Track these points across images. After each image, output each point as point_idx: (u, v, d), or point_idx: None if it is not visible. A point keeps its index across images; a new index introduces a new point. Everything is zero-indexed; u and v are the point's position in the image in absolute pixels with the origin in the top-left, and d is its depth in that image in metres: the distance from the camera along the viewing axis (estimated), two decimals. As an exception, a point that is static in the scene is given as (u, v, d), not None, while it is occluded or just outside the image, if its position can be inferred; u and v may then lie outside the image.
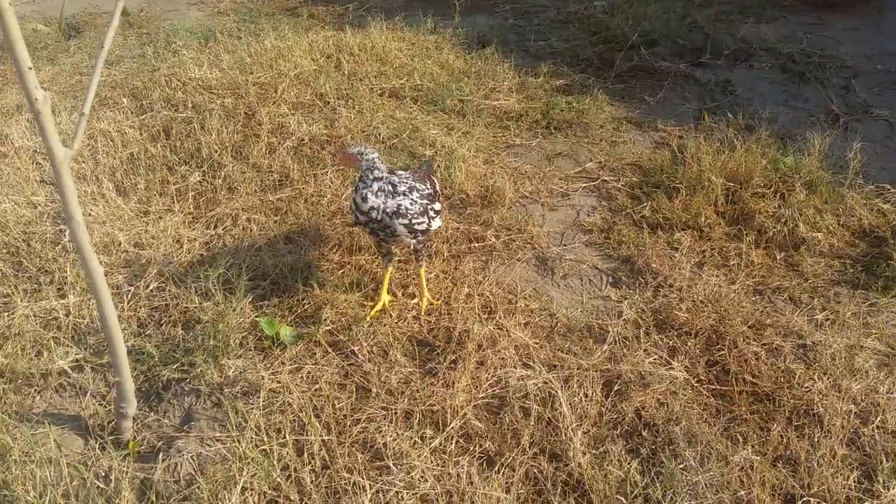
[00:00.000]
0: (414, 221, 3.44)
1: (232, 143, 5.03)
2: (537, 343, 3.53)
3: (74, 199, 2.52)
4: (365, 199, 3.35)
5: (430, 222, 3.51)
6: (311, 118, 5.44)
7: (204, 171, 4.77)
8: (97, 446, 2.96)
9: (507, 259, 4.18)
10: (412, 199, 3.43)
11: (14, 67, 2.28)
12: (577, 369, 3.35)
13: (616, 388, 3.25)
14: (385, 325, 3.63)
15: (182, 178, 4.71)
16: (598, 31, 7.48)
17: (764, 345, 3.47)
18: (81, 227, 2.57)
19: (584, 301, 3.90)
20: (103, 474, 2.80)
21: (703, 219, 4.39)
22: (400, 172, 3.62)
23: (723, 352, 3.43)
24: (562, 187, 4.88)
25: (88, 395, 3.21)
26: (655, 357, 3.42)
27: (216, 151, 4.90)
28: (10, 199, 4.35)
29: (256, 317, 3.61)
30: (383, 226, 3.42)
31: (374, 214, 3.37)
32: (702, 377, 3.34)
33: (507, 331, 3.57)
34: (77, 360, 3.32)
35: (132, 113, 5.48)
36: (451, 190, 4.69)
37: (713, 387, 3.28)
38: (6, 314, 3.48)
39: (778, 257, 4.13)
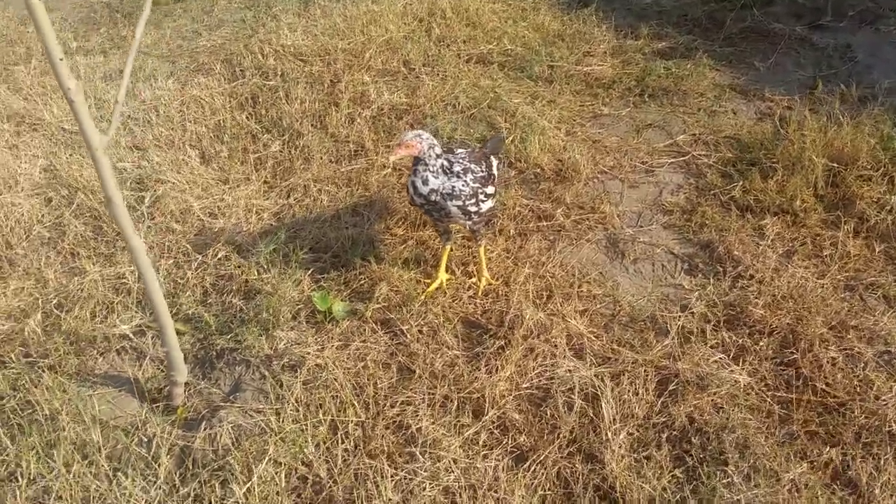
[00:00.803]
0: (467, 203, 3.32)
1: (313, 112, 5.05)
2: (593, 332, 3.35)
3: (113, 182, 2.57)
4: (426, 182, 3.26)
5: (479, 205, 3.38)
6: (393, 86, 5.37)
7: (284, 140, 4.83)
8: (149, 410, 3.09)
9: (575, 239, 3.99)
10: (465, 180, 3.30)
11: (47, 58, 2.33)
12: (632, 364, 3.15)
13: (671, 387, 3.04)
14: (438, 305, 3.56)
15: (263, 147, 4.79)
16: (712, -13, 6.94)
17: (843, 349, 3.13)
18: (121, 209, 2.62)
19: (652, 289, 3.66)
20: (146, 440, 2.92)
21: (798, 202, 4.00)
22: (459, 151, 3.50)
23: (796, 355, 3.13)
24: (646, 162, 4.58)
25: (147, 359, 3.35)
26: (720, 356, 3.16)
27: (297, 120, 4.94)
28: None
29: (312, 290, 3.63)
30: (438, 207, 3.33)
31: (433, 197, 3.28)
32: (768, 381, 3.06)
33: (562, 317, 3.40)
34: (139, 326, 3.46)
35: (224, 79, 5.61)
36: (524, 164, 4.51)
37: (779, 394, 3.00)
38: (77, 277, 3.67)
39: (878, 249, 3.71)
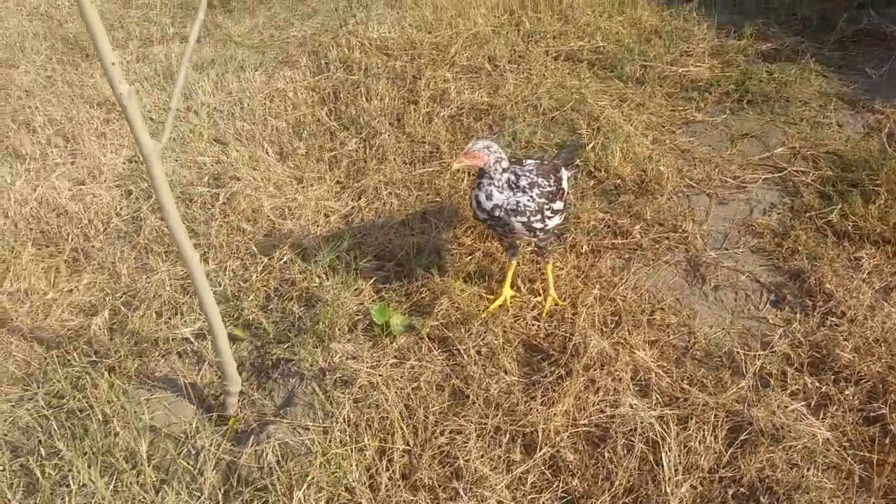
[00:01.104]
0: (532, 219, 3.16)
1: (392, 110, 4.96)
2: (662, 367, 3.13)
3: (166, 191, 2.55)
4: (490, 196, 3.11)
5: (546, 221, 3.20)
6: (476, 83, 5.22)
7: (361, 138, 4.76)
8: (202, 419, 3.10)
9: (652, 260, 3.75)
10: (531, 195, 3.14)
11: (100, 63, 2.31)
12: (702, 407, 2.92)
13: (742, 437, 2.80)
14: (499, 325, 3.41)
15: (340, 145, 4.73)
16: (829, -17, 6.41)
17: (943, 409, 2.80)
18: (174, 218, 2.60)
19: (732, 321, 3.40)
20: (195, 452, 2.92)
21: (903, 231, 3.62)
22: (528, 163, 3.32)
23: (884, 409, 2.82)
24: (739, 177, 4.26)
25: (206, 364, 3.36)
26: (800, 405, 2.89)
27: (375, 118, 4.87)
28: (179, 157, 4.64)
29: (372, 301, 3.56)
30: (502, 223, 3.19)
31: (496, 212, 3.14)
32: (850, 437, 2.77)
33: (629, 348, 3.20)
34: (201, 329, 3.48)
35: (309, 72, 5.60)
36: (604, 173, 4.28)
37: (861, 452, 2.72)
38: (146, 275, 3.72)
39: None
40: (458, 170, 3.95)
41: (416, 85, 5.19)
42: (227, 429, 3.05)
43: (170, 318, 3.53)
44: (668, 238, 3.85)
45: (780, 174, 4.25)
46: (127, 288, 3.69)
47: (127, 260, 3.87)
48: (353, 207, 4.21)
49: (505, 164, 3.12)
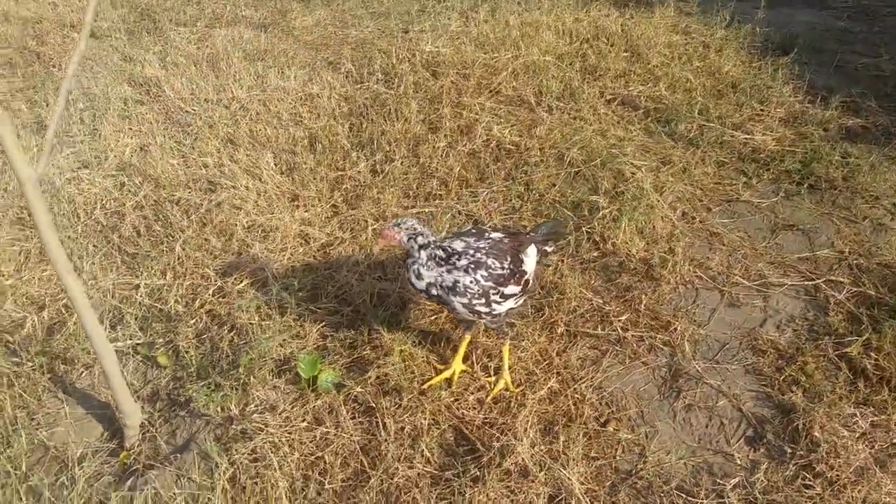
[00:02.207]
0: (474, 302, 2.84)
1: (413, 136, 4.68)
2: (591, 493, 2.75)
3: (45, 220, 2.40)
4: (419, 276, 2.85)
5: (492, 306, 2.87)
6: (513, 118, 4.86)
7: (375, 161, 4.52)
8: (102, 444, 2.99)
9: (630, 358, 3.33)
10: (474, 277, 2.81)
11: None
12: (614, 555, 2.53)
13: None
14: (435, 401, 3.11)
15: (350, 165, 4.50)
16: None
17: None
18: (55, 249, 2.44)
19: (693, 450, 2.95)
20: (69, 483, 2.80)
21: (932, 384, 3.04)
22: (492, 235, 2.99)
23: None
24: (764, 276, 3.73)
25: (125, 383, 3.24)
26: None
27: (393, 142, 4.61)
28: (187, 153, 4.55)
29: (315, 348, 3.34)
30: (443, 302, 2.89)
31: (433, 291, 2.85)
32: None
33: (562, 462, 2.83)
34: (132, 345, 3.36)
35: (349, 80, 5.41)
36: (609, 246, 3.85)
37: None
38: (92, 280, 3.64)
39: None
40: (383, 250, 3.71)
41: (448, 110, 4.89)
42: (118, 461, 2.92)
43: (110, 329, 3.43)
44: (654, 337, 3.41)
45: (812, 282, 3.69)
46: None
47: (92, 257, 3.81)
48: (335, 238, 3.98)
49: (422, 239, 2.84)
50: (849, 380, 3.16)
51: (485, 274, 2.82)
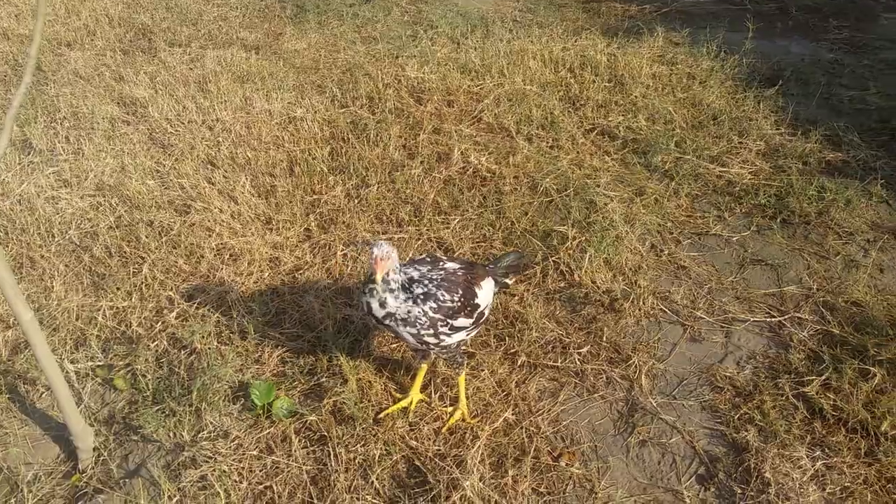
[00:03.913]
0: (423, 333, 2.85)
1: (390, 162, 4.72)
2: (535, 529, 2.75)
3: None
4: (384, 304, 2.81)
5: (440, 338, 2.88)
6: (492, 145, 4.89)
7: (350, 186, 4.56)
8: (57, 466, 3.01)
9: (588, 391, 3.33)
10: (423, 308, 2.82)
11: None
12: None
13: None
14: (391, 430, 3.12)
15: (326, 189, 4.54)
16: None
17: None
18: (6, 281, 2.48)
19: (646, 487, 2.94)
20: (15, 504, 2.83)
21: (886, 426, 3.02)
22: (448, 265, 3.00)
23: None
24: (728, 312, 3.73)
25: (83, 405, 3.26)
26: None
27: (370, 167, 4.65)
28: (164, 175, 4.59)
29: (273, 374, 3.36)
30: (393, 331, 2.90)
31: (387, 321, 2.85)
32: None
33: (510, 496, 2.83)
34: (92, 367, 3.38)
35: (333, 103, 5.46)
36: (576, 277, 3.86)
37: None
38: (52, 300, 3.67)
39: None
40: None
41: (422, 137, 4.92)
42: (69, 484, 2.94)
43: (72, 350, 3.46)
44: (614, 371, 3.40)
45: (775, 319, 3.68)
46: (48, 306, 3.66)
47: (63, 276, 3.85)
48: (305, 263, 4.00)
49: (397, 275, 2.81)
50: (806, 419, 3.15)
51: (433, 305, 2.83)
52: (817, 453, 2.98)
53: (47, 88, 5.63)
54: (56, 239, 4.08)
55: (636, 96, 5.45)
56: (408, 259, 3.01)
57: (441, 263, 3.02)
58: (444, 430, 3.17)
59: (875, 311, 3.64)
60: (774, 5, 7.82)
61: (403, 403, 3.25)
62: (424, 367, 3.26)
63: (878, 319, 3.56)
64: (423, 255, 3.16)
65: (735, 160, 4.84)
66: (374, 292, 2.80)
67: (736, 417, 3.18)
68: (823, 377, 3.28)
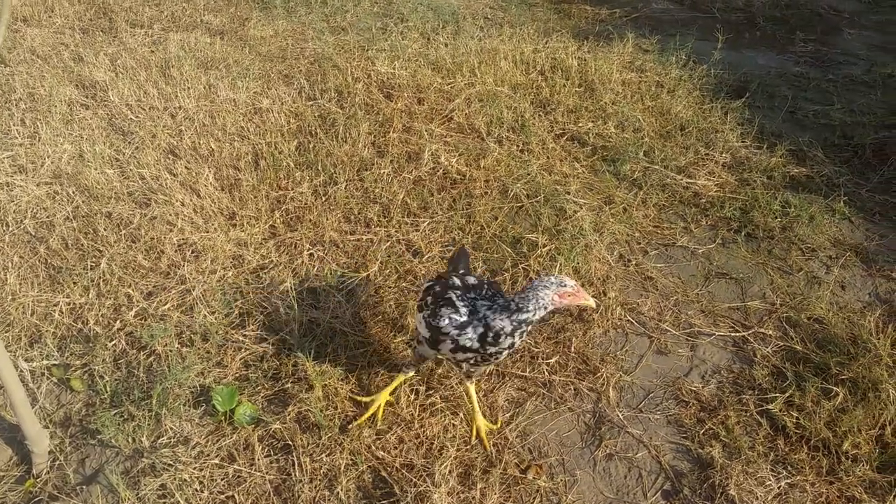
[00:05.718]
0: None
1: (360, 160, 4.64)
2: (502, 544, 2.73)
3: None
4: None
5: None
6: (462, 146, 4.84)
7: (318, 182, 4.46)
8: (10, 469, 2.88)
9: (556, 403, 3.32)
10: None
11: None
12: None
13: None
14: (355, 439, 3.05)
15: (294, 185, 4.44)
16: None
17: None
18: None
19: (612, 501, 2.95)
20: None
21: (847, 445, 3.08)
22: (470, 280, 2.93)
23: None
24: (694, 325, 3.76)
25: (38, 406, 3.14)
26: None
27: (339, 164, 4.56)
28: (125, 164, 4.43)
29: (236, 378, 3.27)
30: (489, 354, 2.75)
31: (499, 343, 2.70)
32: None
33: (477, 509, 2.81)
34: (46, 366, 3.25)
35: (301, 96, 5.35)
36: (545, 287, 3.84)
37: None
38: (6, 294, 3.52)
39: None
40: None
41: (393, 136, 4.85)
42: (22, 490, 2.82)
43: (27, 347, 3.32)
44: (582, 382, 3.40)
45: (739, 334, 3.73)
46: (1, 300, 3.50)
47: (17, 269, 3.69)
48: (269, 262, 3.91)
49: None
50: (769, 436, 3.19)
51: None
52: (781, 472, 3.02)
53: (1, 67, 5.39)
54: (10, 228, 3.90)
55: (606, 102, 5.45)
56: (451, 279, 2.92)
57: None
58: (488, 447, 3.07)
59: (836, 328, 3.71)
60: (742, 15, 7.92)
61: (373, 409, 3.18)
62: (409, 375, 3.19)
63: (839, 337, 3.62)
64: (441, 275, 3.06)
65: (702, 171, 4.88)
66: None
67: (701, 433, 3.21)
68: (787, 394, 3.33)
